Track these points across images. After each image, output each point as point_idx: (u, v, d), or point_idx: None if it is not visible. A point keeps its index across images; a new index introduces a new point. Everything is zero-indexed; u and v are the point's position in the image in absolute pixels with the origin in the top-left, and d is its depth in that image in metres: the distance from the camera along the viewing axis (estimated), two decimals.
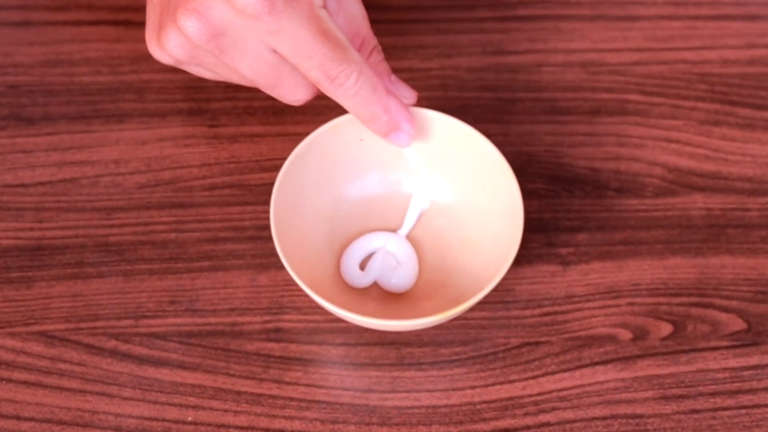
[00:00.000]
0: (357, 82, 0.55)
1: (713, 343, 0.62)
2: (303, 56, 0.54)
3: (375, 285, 0.62)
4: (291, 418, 0.59)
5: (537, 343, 0.62)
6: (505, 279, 0.57)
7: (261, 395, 0.60)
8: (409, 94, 0.59)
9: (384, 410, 0.60)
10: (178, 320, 0.62)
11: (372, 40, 0.59)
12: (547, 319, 0.62)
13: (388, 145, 0.62)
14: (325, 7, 0.54)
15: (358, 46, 0.58)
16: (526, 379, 0.61)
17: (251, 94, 0.67)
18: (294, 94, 0.57)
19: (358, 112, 0.57)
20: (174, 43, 0.55)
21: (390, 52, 0.61)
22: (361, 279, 0.61)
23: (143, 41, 0.57)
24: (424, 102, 0.61)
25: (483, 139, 0.60)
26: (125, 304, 0.62)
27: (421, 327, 0.58)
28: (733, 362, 0.61)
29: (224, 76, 0.57)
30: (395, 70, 0.60)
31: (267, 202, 0.59)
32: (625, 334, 0.62)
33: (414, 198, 0.63)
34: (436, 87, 0.69)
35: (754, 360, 0.61)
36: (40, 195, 0.65)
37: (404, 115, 0.57)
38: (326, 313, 0.62)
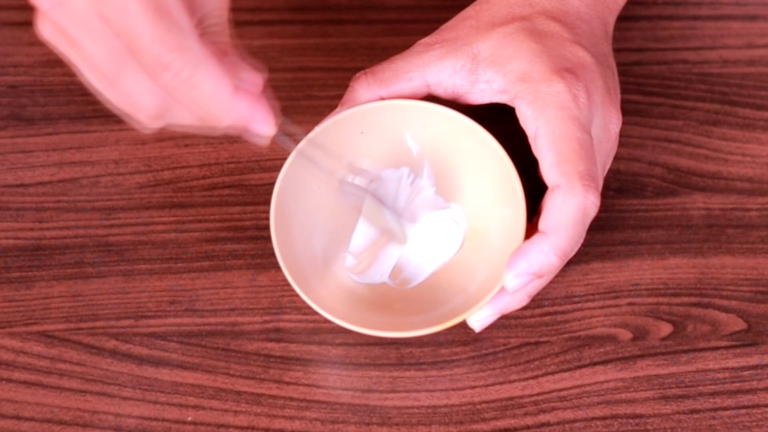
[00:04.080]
0: (193, 75, 0.48)
1: (713, 343, 0.62)
2: (132, 32, 0.48)
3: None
4: (291, 418, 0.59)
5: (537, 343, 0.62)
6: None
7: (261, 395, 0.60)
8: (253, 78, 0.52)
9: (384, 410, 0.60)
10: (178, 320, 0.62)
11: (213, 17, 0.52)
12: (546, 319, 0.62)
13: (390, 142, 0.62)
14: None
15: (195, 22, 0.51)
16: (526, 379, 0.61)
17: None
18: (138, 96, 0.50)
19: (198, 108, 0.50)
20: (38, 19, 0.50)
21: (390, 53, 0.61)
22: (372, 277, 0.61)
23: None
24: (429, 98, 0.61)
25: (486, 134, 0.59)
26: (125, 304, 0.62)
27: (422, 335, 0.58)
28: (733, 362, 0.61)
29: (73, 59, 0.51)
30: None
31: (267, 202, 0.59)
32: (625, 334, 0.62)
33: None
34: None
35: (754, 360, 0.61)
36: (40, 195, 0.65)
37: (255, 115, 0.51)
38: None
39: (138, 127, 0.52)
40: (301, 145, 0.57)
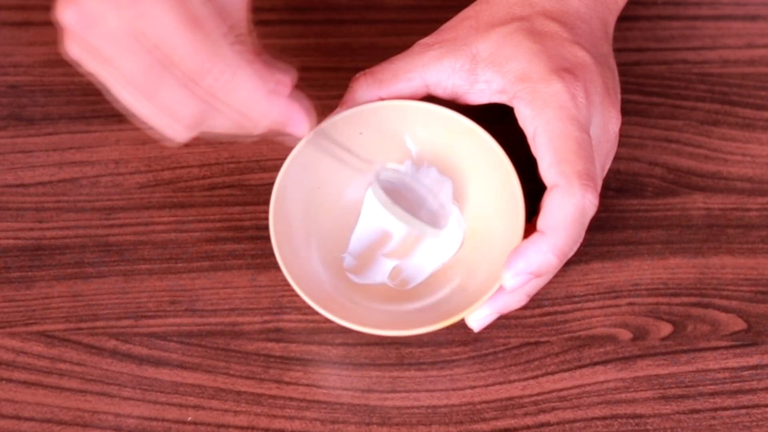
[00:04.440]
0: (234, 79, 0.51)
1: (713, 343, 0.62)
2: (171, 44, 0.50)
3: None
4: (291, 418, 0.59)
5: (537, 343, 0.62)
6: None
7: (261, 395, 0.60)
8: (285, 79, 0.54)
9: (384, 410, 0.60)
10: (178, 320, 0.62)
11: (239, 27, 0.53)
12: (546, 319, 0.62)
13: (389, 142, 0.62)
14: None
15: (225, 31, 0.52)
16: (526, 379, 0.60)
17: None
18: (177, 105, 0.51)
19: (241, 110, 0.52)
20: (67, 39, 0.51)
21: (390, 53, 0.61)
22: (374, 276, 0.61)
23: None
24: (428, 98, 0.61)
25: (485, 134, 0.59)
26: (125, 304, 0.62)
27: (422, 333, 0.58)
28: (733, 362, 0.61)
29: (105, 77, 0.53)
30: None
31: (267, 202, 0.59)
32: (625, 334, 0.62)
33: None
34: None
35: (754, 360, 0.61)
36: (40, 195, 0.65)
37: (293, 111, 0.54)
38: None
39: (168, 144, 0.54)
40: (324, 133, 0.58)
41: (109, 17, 0.50)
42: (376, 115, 0.60)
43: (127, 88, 0.52)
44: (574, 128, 0.56)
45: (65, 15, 0.50)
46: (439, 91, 0.60)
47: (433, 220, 0.61)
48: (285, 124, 0.54)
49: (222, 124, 0.53)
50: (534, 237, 0.56)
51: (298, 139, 0.55)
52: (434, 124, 0.61)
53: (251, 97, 0.51)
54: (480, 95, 0.59)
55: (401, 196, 0.61)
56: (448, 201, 0.62)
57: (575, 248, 0.57)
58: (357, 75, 0.60)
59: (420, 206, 0.61)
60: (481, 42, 0.59)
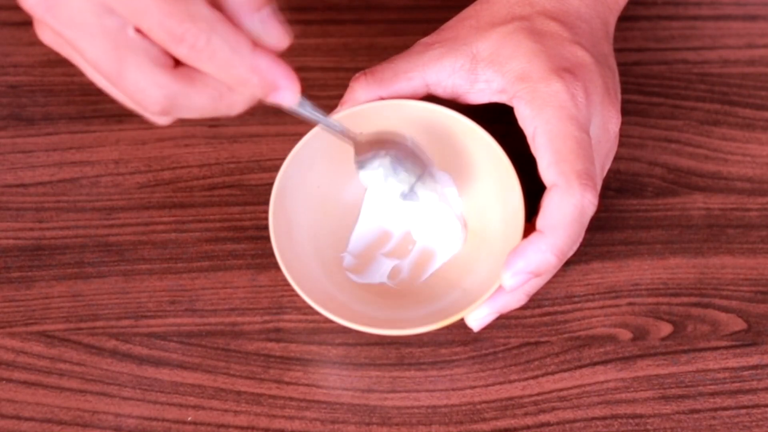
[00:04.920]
0: (209, 44, 0.47)
1: (713, 343, 0.62)
2: (140, 13, 0.46)
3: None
4: (291, 418, 0.59)
5: (537, 343, 0.62)
6: None
7: (261, 395, 0.60)
8: (278, 36, 0.50)
9: (384, 410, 0.60)
10: (178, 320, 0.62)
11: None
12: (546, 319, 0.62)
13: None
14: None
15: None
16: (526, 379, 0.61)
17: None
18: (142, 91, 0.49)
19: (222, 76, 0.49)
20: (36, 25, 0.50)
21: (390, 53, 0.61)
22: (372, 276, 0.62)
23: None
24: (427, 98, 0.61)
25: (485, 134, 0.59)
26: (125, 304, 0.62)
27: (422, 332, 0.58)
28: (733, 362, 0.61)
29: (76, 61, 0.51)
30: None
31: (267, 202, 0.59)
32: (625, 334, 0.62)
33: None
34: None
35: (754, 360, 0.61)
36: (40, 195, 0.65)
37: (279, 71, 0.49)
38: None
39: (152, 121, 0.52)
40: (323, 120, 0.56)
41: None
42: (376, 114, 0.60)
43: (96, 72, 0.50)
44: (573, 128, 0.56)
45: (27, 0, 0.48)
46: (440, 91, 0.60)
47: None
48: (270, 89, 0.50)
49: (196, 107, 0.50)
50: (533, 237, 0.56)
51: (292, 102, 0.51)
52: (434, 124, 0.61)
53: (232, 54, 0.48)
54: (480, 95, 0.59)
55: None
56: (453, 198, 0.62)
57: (575, 248, 0.57)
58: (357, 75, 0.60)
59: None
60: (481, 41, 0.59)
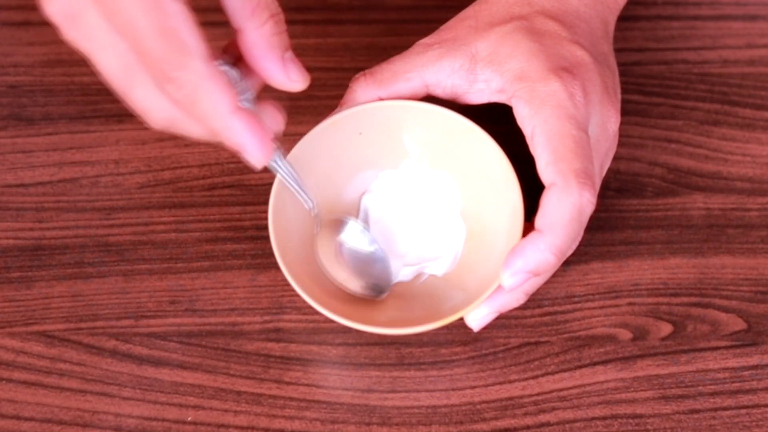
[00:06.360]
0: (195, 92, 0.50)
1: (713, 343, 0.62)
2: (140, 49, 0.49)
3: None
4: (291, 418, 0.59)
5: (537, 343, 0.62)
6: None
7: (261, 395, 0.60)
8: (301, 78, 0.54)
9: (384, 410, 0.60)
10: (178, 320, 0.62)
11: (269, 8, 0.53)
12: (546, 318, 0.62)
13: (388, 142, 0.62)
14: None
15: (250, 11, 0.52)
16: (526, 379, 0.61)
17: None
18: (147, 107, 0.52)
19: (198, 122, 0.52)
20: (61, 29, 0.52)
21: (390, 53, 0.61)
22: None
23: None
24: (426, 99, 0.61)
25: (484, 134, 0.60)
26: (125, 304, 0.62)
27: (422, 331, 0.58)
28: (733, 362, 0.61)
29: (98, 68, 0.53)
30: None
31: (267, 202, 0.59)
32: (625, 334, 0.62)
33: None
34: None
35: (754, 360, 0.61)
36: (40, 195, 0.65)
37: (248, 139, 0.52)
38: None
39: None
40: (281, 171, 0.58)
41: (89, 13, 0.50)
42: (375, 115, 0.60)
43: (108, 81, 0.52)
44: (571, 127, 0.56)
45: (50, 9, 0.51)
46: (439, 91, 0.60)
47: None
48: (239, 149, 0.52)
49: (192, 130, 0.53)
50: (532, 236, 0.56)
51: (256, 165, 0.54)
52: (433, 124, 0.61)
53: (211, 110, 0.51)
54: (479, 95, 0.59)
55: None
56: (453, 198, 0.62)
57: (573, 247, 0.57)
58: (357, 75, 0.60)
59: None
60: (480, 41, 0.59)
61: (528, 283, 0.57)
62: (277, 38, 0.53)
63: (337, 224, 0.61)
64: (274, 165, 0.57)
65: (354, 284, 0.60)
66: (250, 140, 0.51)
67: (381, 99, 0.60)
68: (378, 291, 0.61)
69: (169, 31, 0.49)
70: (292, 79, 0.54)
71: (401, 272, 0.62)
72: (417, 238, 0.63)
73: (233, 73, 0.54)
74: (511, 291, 0.57)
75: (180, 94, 0.50)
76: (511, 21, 0.59)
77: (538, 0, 0.60)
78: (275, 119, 0.54)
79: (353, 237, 0.61)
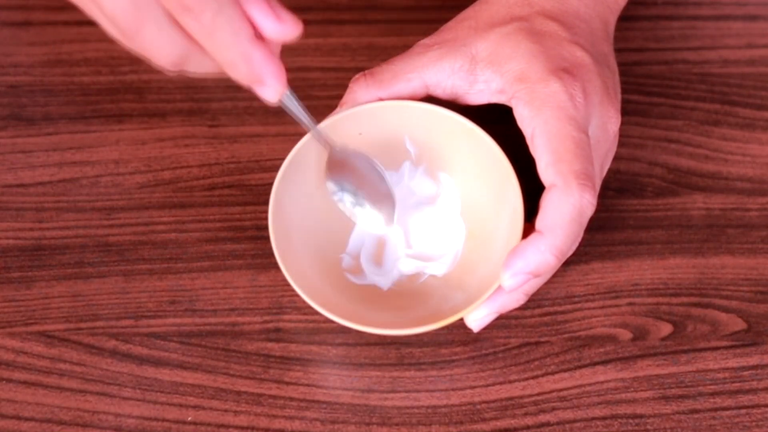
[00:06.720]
0: (214, 20, 0.48)
1: (713, 343, 0.62)
2: None
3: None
4: (291, 418, 0.59)
5: (537, 343, 0.62)
6: None
7: (261, 395, 0.60)
8: (289, 18, 0.51)
9: (384, 410, 0.60)
10: (178, 320, 0.62)
11: None
12: (546, 319, 0.62)
13: (388, 142, 0.62)
14: None
15: None
16: (526, 379, 0.60)
17: (251, 94, 0.67)
18: (157, 47, 0.50)
19: (215, 54, 0.50)
20: None
21: (390, 53, 0.61)
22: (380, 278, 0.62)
23: None
24: (427, 100, 0.61)
25: (484, 135, 0.60)
26: (125, 304, 0.62)
27: (422, 332, 0.58)
28: (733, 362, 0.61)
29: (89, 10, 0.51)
30: None
31: (267, 202, 0.59)
32: (625, 334, 0.62)
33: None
34: None
35: (754, 360, 0.61)
36: (40, 195, 0.65)
37: (268, 69, 0.51)
38: None
39: (159, 68, 0.52)
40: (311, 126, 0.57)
41: None
42: (375, 115, 0.60)
43: (110, 26, 0.51)
44: (571, 128, 0.56)
45: None
46: (439, 92, 0.60)
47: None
48: (255, 80, 0.51)
49: (203, 65, 0.51)
50: (532, 237, 0.56)
51: (272, 98, 0.53)
52: (433, 125, 0.61)
53: (231, 39, 0.49)
54: (479, 95, 0.59)
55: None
56: (452, 199, 0.62)
57: (574, 248, 0.57)
58: (356, 76, 0.60)
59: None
60: (480, 42, 0.59)
61: (528, 284, 0.57)
62: None
63: (346, 157, 0.60)
64: (286, 102, 0.55)
65: (361, 213, 0.60)
66: (269, 70, 0.51)
67: (381, 99, 0.60)
68: (387, 216, 0.60)
69: None
70: (283, 19, 0.51)
71: (402, 264, 0.62)
72: (417, 239, 0.63)
73: None
74: (511, 292, 0.57)
75: (198, 24, 0.48)
76: (512, 22, 0.59)
77: (538, 1, 0.60)
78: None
79: (361, 164, 0.61)
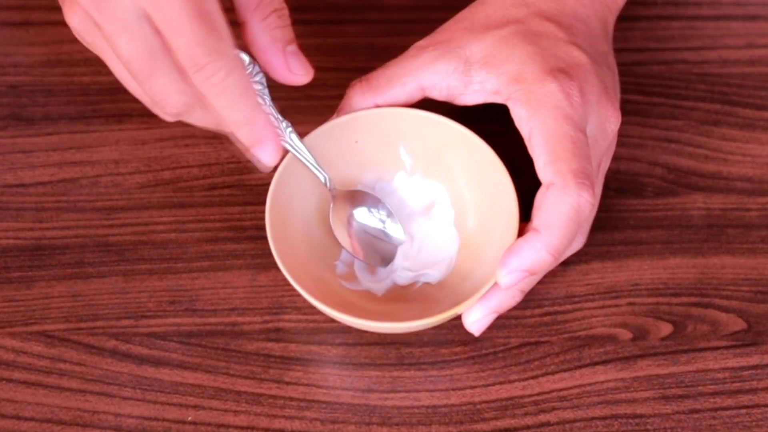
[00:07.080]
0: (224, 80, 0.50)
1: (713, 343, 0.62)
2: (174, 31, 0.49)
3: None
4: (291, 418, 0.59)
5: (537, 343, 0.62)
6: None
7: (261, 395, 0.60)
8: (303, 71, 0.55)
9: (384, 410, 0.60)
10: (178, 320, 0.62)
11: (273, 3, 0.54)
12: (546, 318, 0.62)
13: (384, 147, 0.62)
14: None
15: (255, 4, 0.53)
16: (526, 379, 0.61)
17: None
18: (166, 95, 0.52)
19: (220, 112, 0.52)
20: (68, 7, 0.51)
21: (390, 53, 0.61)
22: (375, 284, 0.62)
23: None
24: (423, 104, 0.61)
25: (480, 141, 0.60)
26: (125, 304, 0.62)
27: (419, 329, 0.58)
28: (733, 362, 0.61)
29: (102, 52, 0.53)
30: None
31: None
32: (625, 334, 0.62)
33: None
34: None
35: (754, 360, 0.61)
36: (40, 195, 0.65)
37: (267, 134, 0.53)
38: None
39: (160, 118, 0.54)
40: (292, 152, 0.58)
41: None
42: (371, 122, 0.60)
43: (121, 70, 0.52)
44: (569, 127, 0.56)
45: None
46: (435, 94, 0.60)
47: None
48: (255, 142, 0.53)
49: (205, 119, 0.53)
50: (528, 235, 0.56)
51: (266, 166, 0.55)
52: (429, 131, 0.61)
53: (238, 101, 0.51)
54: (475, 96, 0.59)
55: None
56: (445, 208, 0.62)
57: (570, 246, 0.57)
58: (353, 82, 0.61)
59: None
60: (474, 44, 0.59)
61: (524, 281, 0.57)
62: (279, 31, 0.53)
63: (351, 196, 0.62)
64: (290, 142, 0.57)
65: (360, 254, 0.61)
66: (270, 134, 0.52)
67: (378, 105, 0.60)
68: (384, 261, 0.61)
69: (205, 14, 0.49)
70: (294, 71, 0.54)
71: (397, 276, 0.62)
72: (411, 250, 0.62)
73: (244, 56, 0.54)
74: (507, 289, 0.57)
75: (207, 82, 0.50)
76: (507, 25, 0.59)
77: (534, 1, 0.60)
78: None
79: (364, 212, 0.62)
